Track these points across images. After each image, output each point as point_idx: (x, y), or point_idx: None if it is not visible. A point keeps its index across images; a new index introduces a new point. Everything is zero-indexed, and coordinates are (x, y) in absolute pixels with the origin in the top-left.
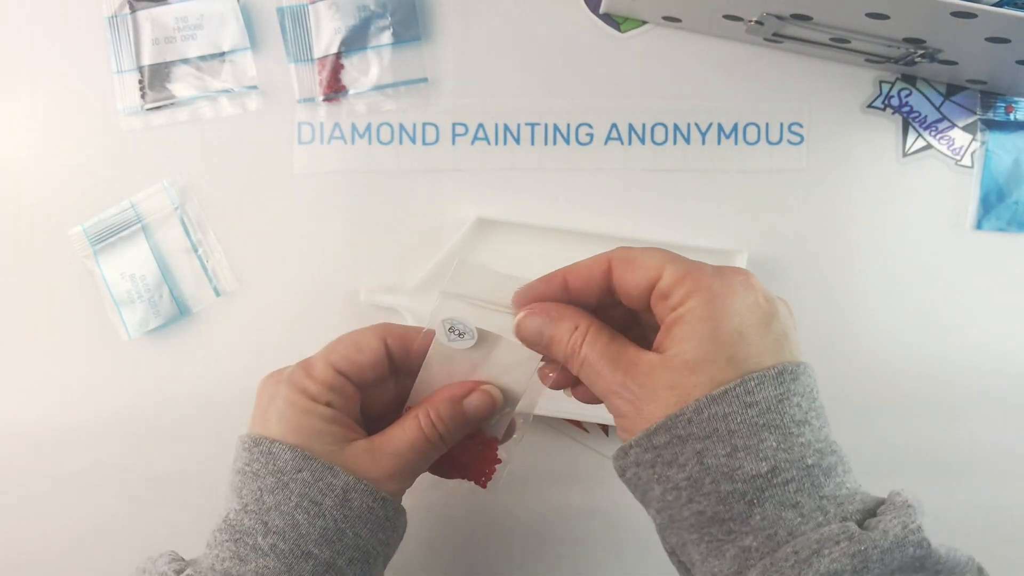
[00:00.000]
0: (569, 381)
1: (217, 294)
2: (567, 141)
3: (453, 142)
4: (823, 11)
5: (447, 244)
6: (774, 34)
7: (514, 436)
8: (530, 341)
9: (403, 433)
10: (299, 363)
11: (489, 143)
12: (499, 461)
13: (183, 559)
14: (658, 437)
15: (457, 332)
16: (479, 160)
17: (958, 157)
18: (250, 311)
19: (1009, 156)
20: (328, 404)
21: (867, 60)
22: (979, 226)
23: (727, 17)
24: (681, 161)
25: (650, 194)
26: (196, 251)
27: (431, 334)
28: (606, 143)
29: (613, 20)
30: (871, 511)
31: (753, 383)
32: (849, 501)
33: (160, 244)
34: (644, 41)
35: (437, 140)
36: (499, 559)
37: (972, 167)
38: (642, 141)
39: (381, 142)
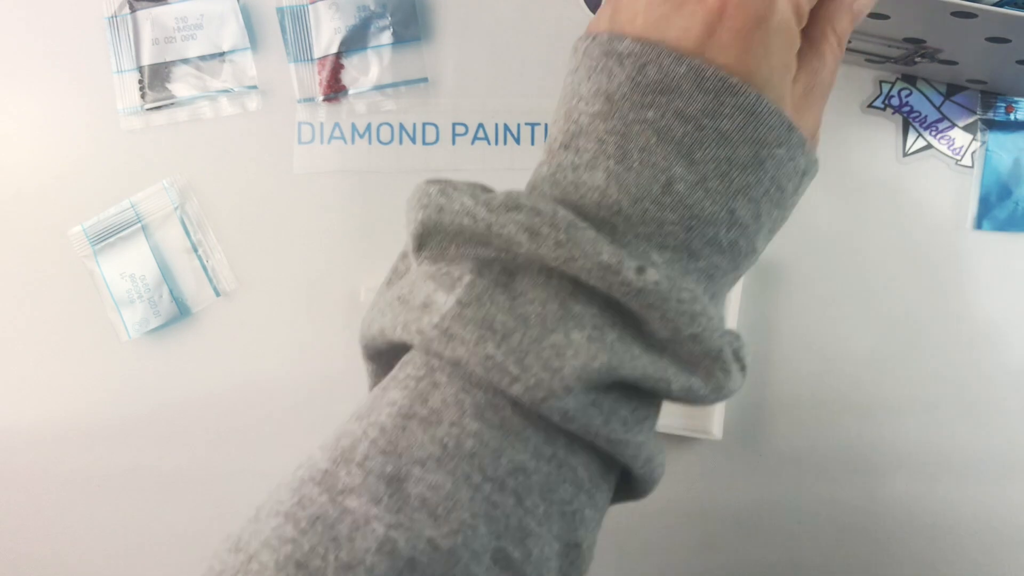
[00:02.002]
0: None
1: (217, 294)
2: None
3: (453, 142)
4: None
5: None
6: None
7: None
8: None
9: (825, 65)
10: None
11: (489, 143)
12: None
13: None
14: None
15: None
16: (479, 160)
17: (958, 157)
18: (250, 311)
19: (1009, 156)
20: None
21: (867, 60)
22: (979, 226)
23: None
24: None
25: None
26: (196, 251)
27: None
28: None
29: None
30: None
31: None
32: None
33: (160, 244)
34: None
35: (437, 140)
36: None
37: (972, 167)
38: None
39: (381, 142)
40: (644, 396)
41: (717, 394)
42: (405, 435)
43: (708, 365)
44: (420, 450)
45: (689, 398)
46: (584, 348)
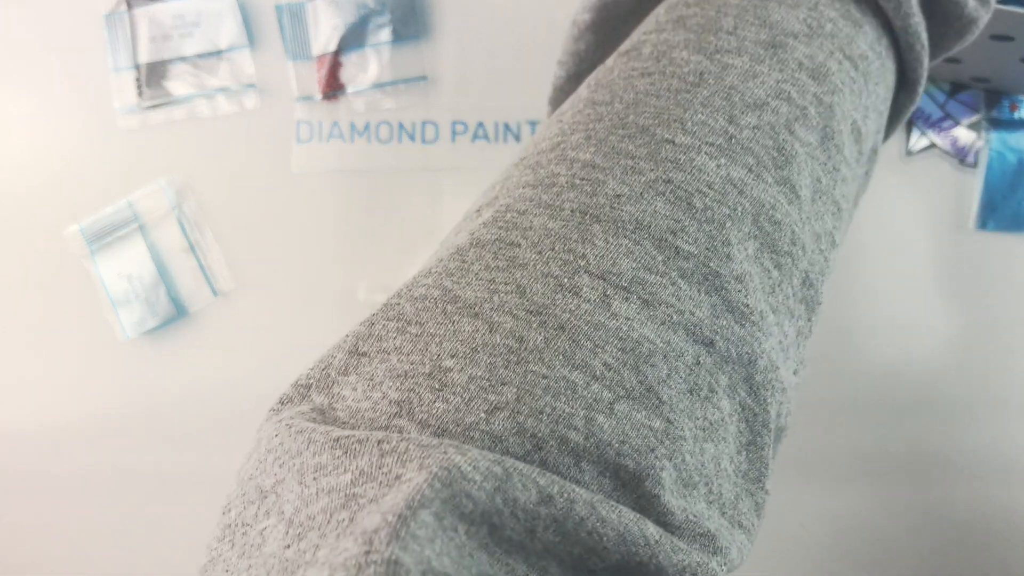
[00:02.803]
0: None
1: (215, 294)
2: None
3: (453, 140)
4: None
5: None
6: None
7: None
8: None
9: None
10: None
11: (489, 141)
12: None
13: None
14: None
15: None
16: (479, 159)
17: (962, 156)
18: (248, 311)
19: (1013, 155)
20: None
21: None
22: (982, 226)
23: None
24: None
25: None
26: (194, 251)
27: None
28: None
29: None
30: None
31: None
32: None
33: (157, 243)
34: None
35: (436, 138)
36: None
37: (976, 166)
38: None
39: (380, 140)
40: None
41: (986, 7)
42: (768, 10)
43: None
44: (789, 24)
45: (969, 16)
46: None
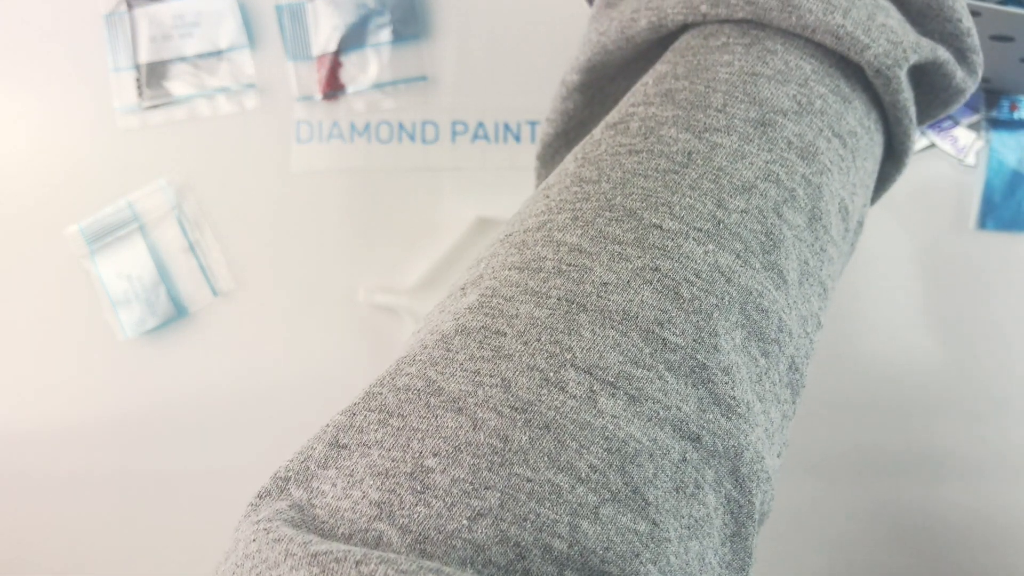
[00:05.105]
0: None
1: (215, 294)
2: None
3: (453, 140)
4: None
5: (447, 243)
6: None
7: None
8: None
9: None
10: None
11: (489, 141)
12: None
13: None
14: None
15: None
16: (479, 159)
17: (962, 156)
18: (248, 311)
19: (1013, 155)
20: None
21: None
22: (983, 225)
23: None
24: None
25: None
26: (193, 250)
27: None
28: None
29: None
30: None
31: None
32: None
33: (157, 243)
34: None
35: (436, 138)
36: None
37: (976, 166)
38: None
39: (380, 140)
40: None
41: (973, 78)
42: (758, 86)
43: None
44: (779, 101)
45: (957, 87)
46: (902, 29)
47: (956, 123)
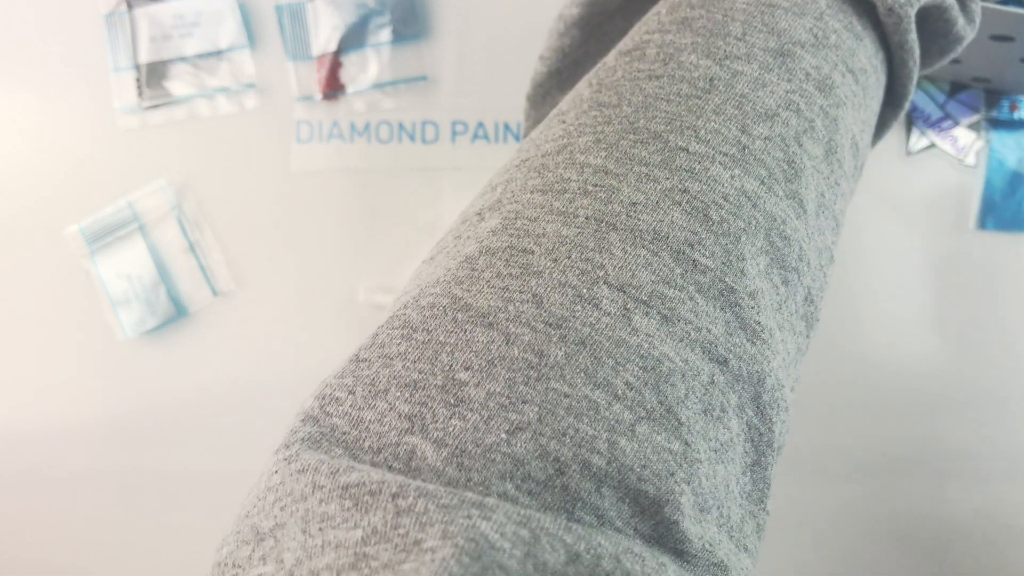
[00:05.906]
0: None
1: (215, 294)
2: None
3: (453, 140)
4: None
5: None
6: None
7: None
8: None
9: None
10: None
11: (489, 141)
12: None
13: None
14: None
15: None
16: (479, 159)
17: (962, 156)
18: (248, 311)
19: (1013, 155)
20: None
21: None
22: (983, 225)
23: None
24: None
25: None
26: (193, 250)
27: None
28: None
29: None
30: None
31: None
32: None
33: (157, 243)
34: None
35: (437, 138)
36: None
37: (976, 166)
38: None
39: (380, 140)
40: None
41: (972, 26)
42: (776, 16)
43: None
44: (796, 33)
45: (957, 34)
46: None
47: (956, 123)
